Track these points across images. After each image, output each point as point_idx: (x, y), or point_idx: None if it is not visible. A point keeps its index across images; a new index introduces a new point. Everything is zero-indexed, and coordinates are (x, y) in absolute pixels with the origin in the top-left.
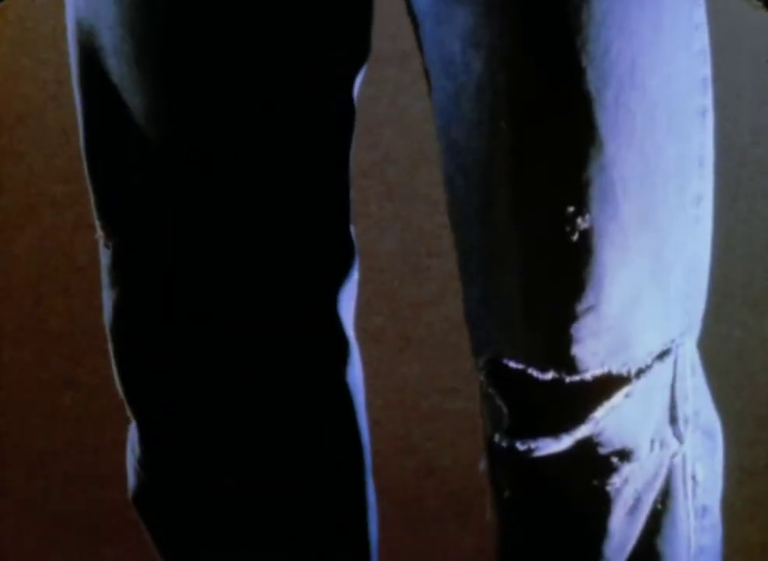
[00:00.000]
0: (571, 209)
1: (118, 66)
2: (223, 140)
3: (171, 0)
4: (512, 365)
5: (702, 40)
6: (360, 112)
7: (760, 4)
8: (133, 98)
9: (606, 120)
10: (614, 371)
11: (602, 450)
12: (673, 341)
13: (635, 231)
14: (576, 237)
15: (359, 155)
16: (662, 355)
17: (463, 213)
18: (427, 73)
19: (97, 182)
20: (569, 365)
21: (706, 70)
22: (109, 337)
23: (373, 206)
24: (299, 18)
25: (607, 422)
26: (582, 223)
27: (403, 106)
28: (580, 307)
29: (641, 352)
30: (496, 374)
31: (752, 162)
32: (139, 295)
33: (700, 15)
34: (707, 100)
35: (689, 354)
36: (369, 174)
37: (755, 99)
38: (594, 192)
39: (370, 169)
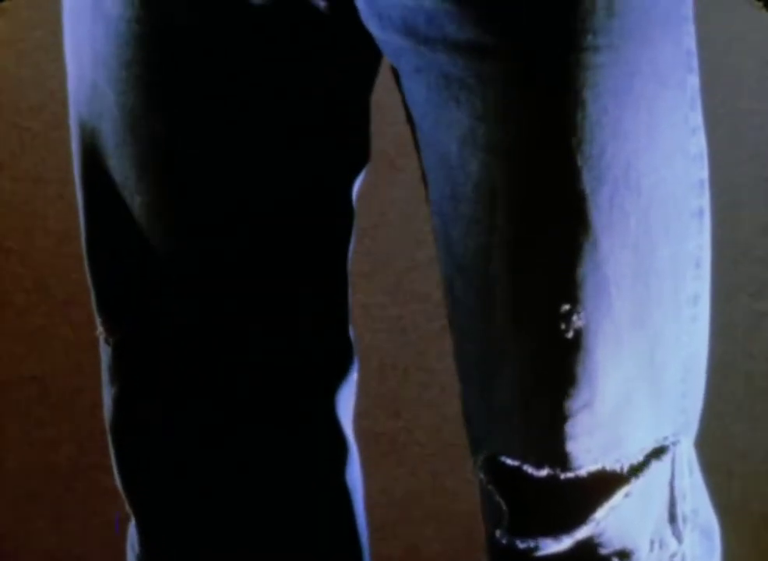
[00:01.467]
0: (566, 306)
1: (118, 166)
2: (223, 241)
3: (173, 105)
4: (509, 462)
5: (698, 144)
6: (360, 214)
7: (760, 4)
8: (133, 197)
9: (600, 219)
10: (608, 467)
11: (603, 551)
12: (666, 438)
13: (629, 329)
14: (570, 334)
15: (359, 256)
16: (659, 454)
17: (461, 311)
18: (424, 174)
19: (99, 279)
20: (564, 461)
21: (703, 173)
22: (109, 434)
23: (373, 307)
24: (297, 124)
25: (608, 523)
26: (577, 320)
27: (403, 207)
28: (575, 404)
29: (634, 449)
30: (493, 472)
31: (752, 257)
32: (140, 391)
33: (696, 119)
34: (704, 202)
35: (687, 453)
36: (369, 275)
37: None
38: (589, 289)
39: (370, 270)
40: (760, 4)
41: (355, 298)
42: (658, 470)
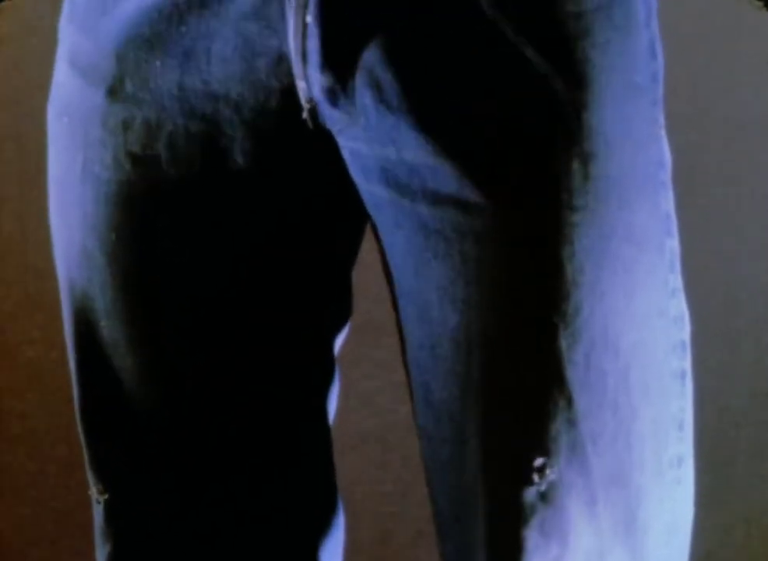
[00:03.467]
0: (539, 460)
1: (109, 328)
2: (212, 399)
3: (163, 267)
4: None
5: (678, 306)
6: (356, 379)
7: (760, 4)
8: (124, 358)
9: (576, 377)
10: None
11: None
12: None
13: (606, 487)
14: (543, 487)
15: (355, 421)
16: None
17: (435, 463)
18: (400, 326)
19: (91, 440)
20: None
21: (684, 334)
22: None
23: (371, 469)
24: (278, 280)
25: None
26: (549, 474)
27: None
28: (543, 558)
29: None
30: None
31: (751, 420)
32: (132, 550)
33: (676, 281)
34: (685, 364)
35: None
36: (367, 439)
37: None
38: (562, 445)
39: (368, 436)
40: (760, 4)
41: (352, 462)
42: None
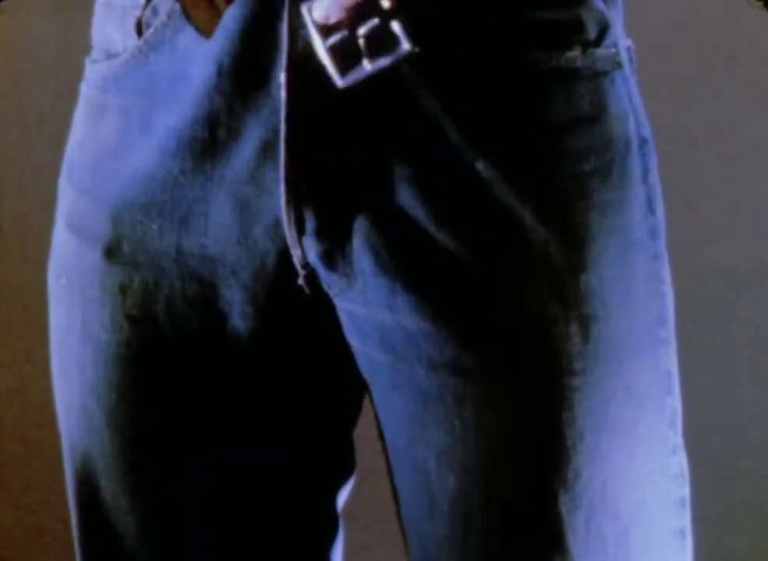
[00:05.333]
0: None
1: (110, 487)
2: (213, 557)
3: (162, 427)
4: None
5: (679, 463)
6: (354, 530)
7: (760, 3)
8: (126, 516)
9: (576, 542)
10: None
11: None
12: None
13: None
14: None
15: None
16: None
17: None
18: (395, 489)
19: None
20: None
21: (684, 491)
22: None
23: None
24: (276, 441)
25: None
26: None
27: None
28: None
29: None
30: None
31: None
32: None
33: (676, 439)
34: (685, 521)
35: None
36: None
37: None
38: None
39: None
40: (760, 3)
41: None
42: None
